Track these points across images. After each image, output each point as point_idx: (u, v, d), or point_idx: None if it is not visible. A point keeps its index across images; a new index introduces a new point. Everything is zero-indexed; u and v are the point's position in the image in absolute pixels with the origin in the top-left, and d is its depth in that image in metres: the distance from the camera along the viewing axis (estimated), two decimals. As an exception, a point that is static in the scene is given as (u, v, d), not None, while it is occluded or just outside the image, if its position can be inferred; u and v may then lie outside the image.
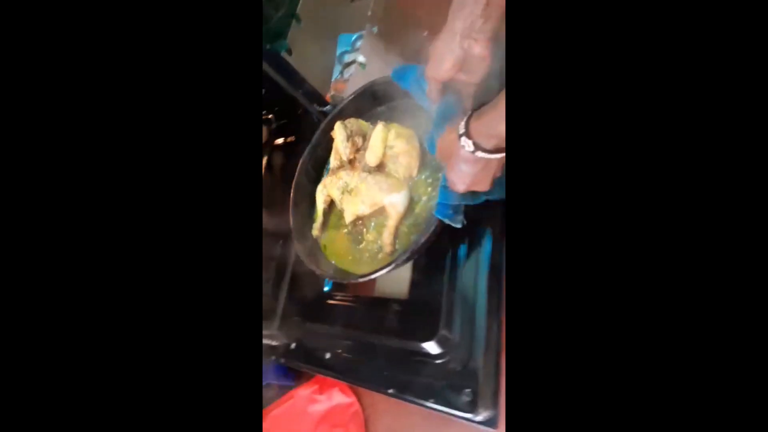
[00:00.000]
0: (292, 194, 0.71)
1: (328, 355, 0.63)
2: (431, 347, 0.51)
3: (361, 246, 0.63)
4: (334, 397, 0.99)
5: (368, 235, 0.63)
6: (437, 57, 0.36)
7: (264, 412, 0.95)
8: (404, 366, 0.54)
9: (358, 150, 0.66)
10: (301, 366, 0.67)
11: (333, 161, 0.69)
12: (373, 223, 0.63)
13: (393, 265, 0.50)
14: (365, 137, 0.65)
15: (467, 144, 0.35)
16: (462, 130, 0.36)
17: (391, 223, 0.57)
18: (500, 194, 0.44)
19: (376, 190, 0.58)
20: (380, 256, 0.59)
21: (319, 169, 0.75)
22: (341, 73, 1.26)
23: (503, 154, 0.35)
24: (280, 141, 0.90)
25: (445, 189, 0.43)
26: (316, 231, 0.69)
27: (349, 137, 0.65)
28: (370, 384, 0.55)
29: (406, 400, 0.51)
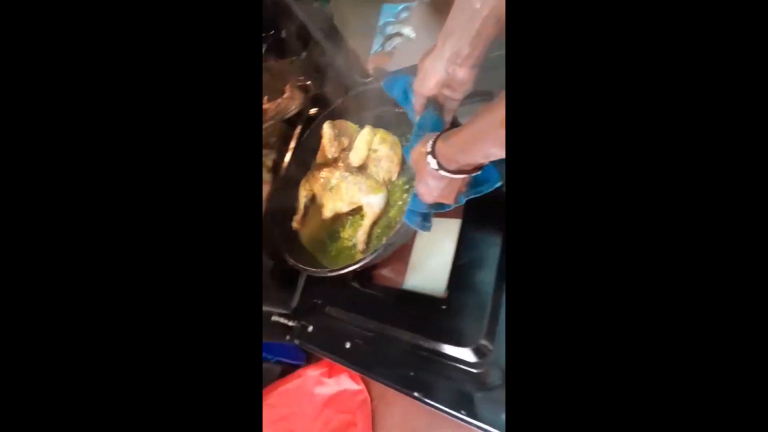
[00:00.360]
0: (279, 180, 0.73)
1: (348, 345, 0.59)
2: (466, 354, 0.46)
3: (337, 242, 0.65)
4: (343, 382, 0.97)
5: (344, 232, 0.66)
6: (423, 74, 0.40)
7: (270, 387, 0.93)
8: (432, 368, 0.50)
9: (343, 149, 0.69)
10: (317, 351, 0.64)
11: (318, 158, 0.72)
12: (350, 221, 0.66)
13: (360, 264, 0.53)
14: (351, 138, 0.69)
15: (432, 162, 0.37)
16: (429, 149, 0.37)
17: (367, 222, 0.60)
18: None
19: (356, 189, 0.61)
20: (353, 252, 0.61)
21: (308, 162, 0.76)
22: (383, 45, 1.19)
23: (465, 176, 0.38)
24: (314, 111, 0.84)
25: (416, 197, 0.44)
26: (296, 223, 0.71)
27: (337, 137, 0.69)
28: (393, 383, 0.51)
29: (432, 406, 0.47)
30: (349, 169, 0.65)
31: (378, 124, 0.68)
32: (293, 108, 0.77)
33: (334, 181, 0.64)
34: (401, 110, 0.50)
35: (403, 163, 0.63)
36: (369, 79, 0.81)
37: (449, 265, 0.53)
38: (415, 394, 0.49)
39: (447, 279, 0.53)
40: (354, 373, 0.93)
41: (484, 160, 0.36)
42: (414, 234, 0.63)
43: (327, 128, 0.69)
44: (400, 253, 0.62)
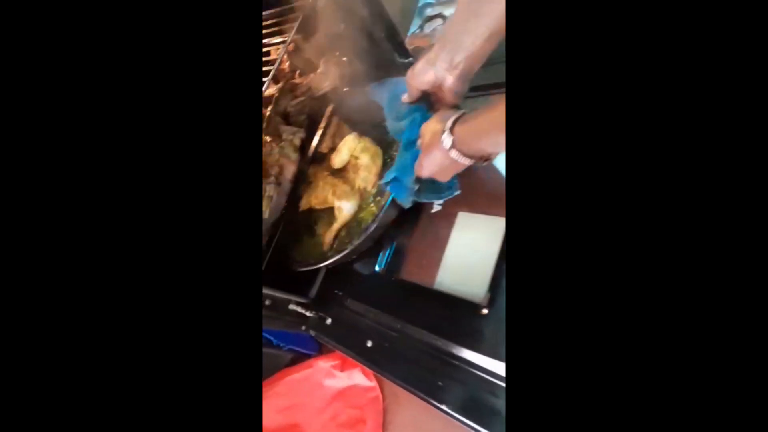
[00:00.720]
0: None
1: (369, 343, 0.55)
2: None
3: (312, 237, 0.68)
4: (355, 376, 0.93)
5: (319, 228, 0.68)
6: (416, 73, 0.42)
7: (279, 375, 0.91)
8: (463, 379, 0.45)
9: (332, 149, 0.70)
10: (335, 346, 0.60)
11: (310, 149, 0.73)
12: (325, 218, 0.67)
13: (321, 265, 0.60)
14: (340, 141, 0.69)
15: (447, 141, 0.38)
16: (448, 126, 0.38)
17: (335, 225, 0.62)
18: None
19: (330, 191, 0.63)
20: (321, 251, 0.63)
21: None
22: (421, 27, 1.12)
23: (473, 161, 0.38)
24: (344, 91, 0.78)
25: (404, 169, 0.45)
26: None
27: (331, 136, 0.72)
28: (420, 391, 0.47)
29: (462, 422, 0.43)
30: (329, 169, 0.68)
31: (366, 131, 0.68)
32: (327, 85, 0.72)
33: (312, 178, 0.68)
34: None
35: (379, 177, 0.63)
36: (409, 59, 0.75)
37: (491, 266, 0.48)
38: (443, 407, 0.44)
39: (488, 282, 0.48)
40: (367, 368, 0.89)
41: (494, 150, 0.37)
42: (444, 231, 0.58)
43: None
44: (431, 247, 0.57)
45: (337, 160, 0.66)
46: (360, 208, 0.62)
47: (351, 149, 0.65)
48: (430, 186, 0.46)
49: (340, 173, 0.67)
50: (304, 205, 0.68)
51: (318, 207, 0.66)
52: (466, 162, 0.38)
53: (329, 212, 0.65)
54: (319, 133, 0.74)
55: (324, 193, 0.64)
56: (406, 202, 0.47)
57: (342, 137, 0.70)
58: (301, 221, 0.70)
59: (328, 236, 0.63)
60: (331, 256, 0.59)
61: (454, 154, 0.38)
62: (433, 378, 0.47)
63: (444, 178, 0.43)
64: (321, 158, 0.72)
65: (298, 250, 0.68)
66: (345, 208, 0.61)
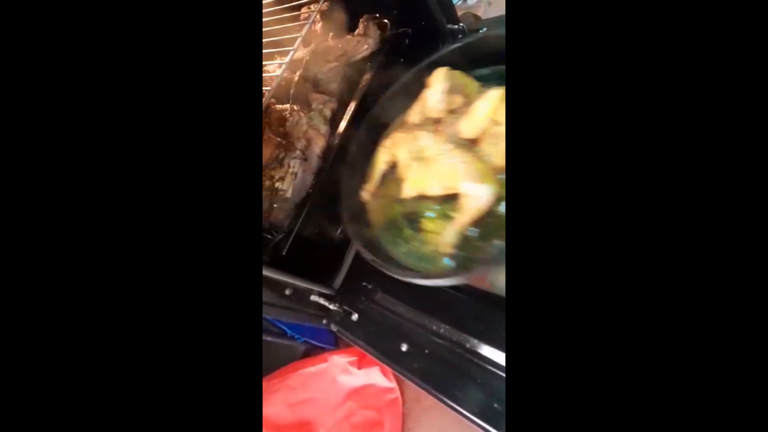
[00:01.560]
0: (351, 148, 0.55)
1: (404, 347, 0.48)
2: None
3: (417, 235, 0.47)
4: (372, 375, 0.87)
5: (428, 222, 0.47)
6: None
7: (292, 366, 0.85)
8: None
9: (451, 111, 0.51)
10: (363, 347, 0.53)
11: (413, 115, 0.53)
12: (438, 208, 0.47)
13: (447, 279, 0.40)
14: (468, 98, 0.50)
15: None
16: None
17: (464, 219, 0.42)
18: None
19: (458, 170, 0.44)
20: (434, 254, 0.44)
21: (387, 122, 0.58)
22: (464, -3, 1.02)
23: None
24: (384, 58, 0.69)
25: None
26: (366, 194, 0.54)
27: (449, 92, 0.51)
28: (473, 414, 0.39)
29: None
30: (455, 139, 0.47)
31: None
32: (365, 49, 0.63)
33: (430, 151, 0.46)
34: None
35: None
36: (459, 25, 0.65)
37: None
38: (485, 425, 0.37)
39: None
40: (386, 367, 0.82)
41: None
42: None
43: (440, 76, 0.51)
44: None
45: (470, 126, 0.47)
46: (497, 201, 0.43)
47: (492, 110, 0.46)
48: None
49: (470, 146, 0.47)
50: (411, 189, 0.48)
51: (436, 193, 0.46)
52: None
53: (446, 202, 0.46)
54: (353, 104, 0.64)
55: (449, 173, 0.45)
56: None
57: (465, 95, 0.52)
58: (401, 211, 0.50)
59: (449, 235, 0.43)
60: (454, 267, 0.41)
61: None
62: (488, 399, 0.39)
63: None
64: (430, 123, 0.53)
65: (397, 249, 0.48)
66: (480, 195, 0.42)
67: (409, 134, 0.50)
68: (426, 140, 0.48)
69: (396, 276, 0.42)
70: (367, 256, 0.44)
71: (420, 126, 0.52)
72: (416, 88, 0.54)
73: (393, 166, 0.52)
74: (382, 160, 0.53)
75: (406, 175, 0.49)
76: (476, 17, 0.75)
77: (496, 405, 0.38)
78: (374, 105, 0.58)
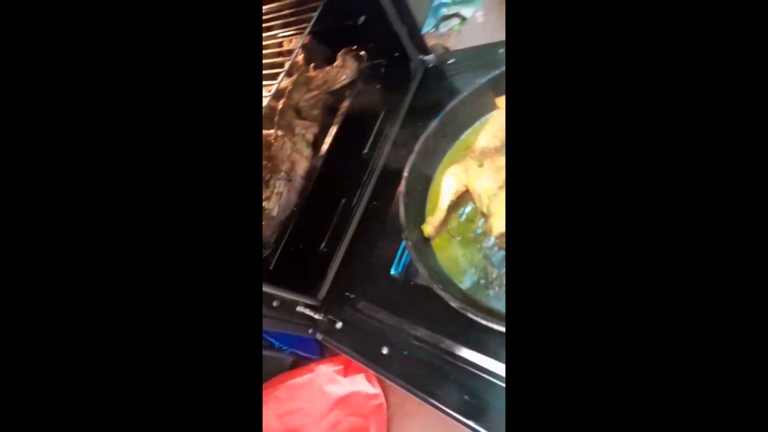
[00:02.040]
0: (404, 179, 0.53)
1: (385, 350, 0.52)
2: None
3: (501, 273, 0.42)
4: (358, 382, 0.90)
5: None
6: None
7: (280, 378, 0.87)
8: (497, 394, 0.42)
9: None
10: (346, 352, 0.57)
11: (488, 139, 0.47)
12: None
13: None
14: None
15: None
16: None
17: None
18: None
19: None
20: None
21: (446, 146, 0.56)
22: (436, 26, 1.10)
23: None
24: (361, 87, 0.76)
25: None
26: (430, 228, 0.50)
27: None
28: (439, 402, 0.44)
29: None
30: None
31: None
32: (343, 78, 0.69)
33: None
34: None
35: None
36: (429, 57, 0.72)
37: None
38: (472, 423, 0.42)
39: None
40: (372, 374, 0.86)
41: None
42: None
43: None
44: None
45: None
46: None
47: None
48: None
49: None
50: (500, 227, 0.42)
51: None
52: None
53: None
54: (333, 128, 0.70)
55: None
56: None
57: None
58: (478, 251, 0.46)
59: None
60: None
61: None
62: (459, 393, 0.44)
63: None
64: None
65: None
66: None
67: (488, 160, 0.43)
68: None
69: (461, 307, 0.42)
70: (455, 304, 0.43)
71: (501, 151, 0.46)
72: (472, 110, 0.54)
73: (462, 197, 0.49)
74: (449, 189, 0.48)
75: (490, 210, 0.42)
76: (446, 49, 0.82)
77: (467, 397, 0.43)
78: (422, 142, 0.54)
